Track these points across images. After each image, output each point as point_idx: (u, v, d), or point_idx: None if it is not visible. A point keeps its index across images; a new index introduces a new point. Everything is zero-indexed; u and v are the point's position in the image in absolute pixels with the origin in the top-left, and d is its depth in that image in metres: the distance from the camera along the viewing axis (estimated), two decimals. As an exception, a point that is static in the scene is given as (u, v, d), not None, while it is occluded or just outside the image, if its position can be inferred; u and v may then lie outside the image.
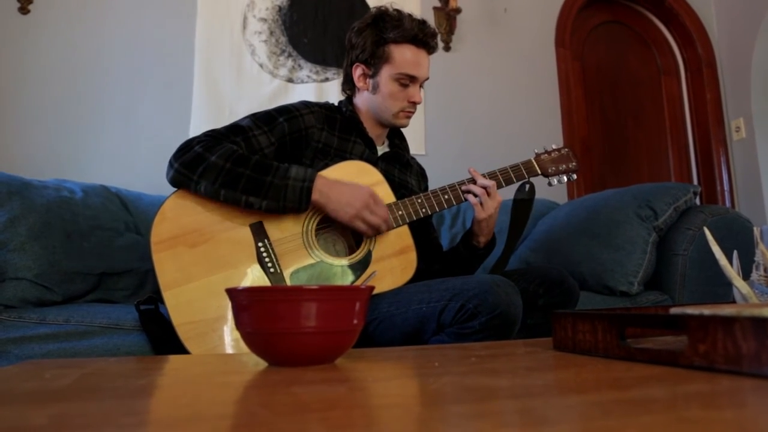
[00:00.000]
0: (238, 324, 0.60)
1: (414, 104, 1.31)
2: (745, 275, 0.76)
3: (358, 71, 1.33)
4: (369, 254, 1.18)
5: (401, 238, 1.21)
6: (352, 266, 1.17)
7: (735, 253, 0.79)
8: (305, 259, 1.15)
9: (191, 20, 2.24)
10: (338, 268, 1.16)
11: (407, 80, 1.28)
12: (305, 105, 1.30)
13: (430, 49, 1.32)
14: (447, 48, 2.56)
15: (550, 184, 1.37)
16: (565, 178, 1.37)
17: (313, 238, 1.17)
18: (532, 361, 0.59)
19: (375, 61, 1.29)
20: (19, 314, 1.18)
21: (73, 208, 1.49)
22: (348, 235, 1.25)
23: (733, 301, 0.75)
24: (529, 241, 1.93)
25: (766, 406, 0.36)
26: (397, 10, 1.30)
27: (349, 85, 1.38)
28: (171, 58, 2.20)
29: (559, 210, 1.99)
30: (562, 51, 2.77)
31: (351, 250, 1.24)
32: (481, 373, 0.52)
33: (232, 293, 0.59)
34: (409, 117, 1.34)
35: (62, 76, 2.08)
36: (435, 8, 2.55)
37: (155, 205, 1.81)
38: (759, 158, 2.80)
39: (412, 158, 1.50)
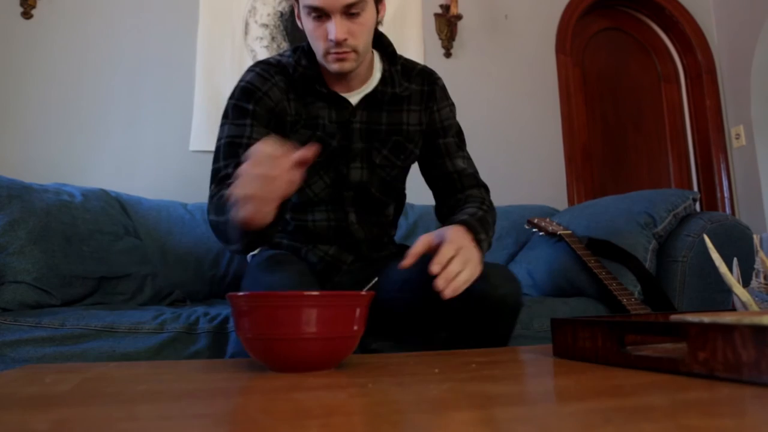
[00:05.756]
0: (239, 329, 0.60)
1: (337, 43, 1.00)
2: (745, 283, 0.76)
3: (297, 10, 1.08)
4: None
5: None
6: None
7: (735, 261, 0.79)
8: None
9: (193, 26, 2.25)
10: None
11: (315, 12, 1.00)
12: (263, 78, 1.10)
13: None
14: (448, 54, 2.57)
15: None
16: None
17: None
18: (532, 368, 0.59)
19: None
20: (14, 317, 1.18)
21: (73, 212, 1.49)
22: None
23: (733, 309, 0.75)
24: (528, 249, 1.93)
25: (766, 414, 0.36)
26: None
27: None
28: (172, 63, 2.21)
29: (559, 217, 1.99)
30: (562, 57, 2.78)
31: None
32: (482, 379, 0.52)
33: (233, 299, 0.59)
34: (340, 60, 1.03)
35: (64, 80, 2.08)
36: (436, 14, 2.56)
37: (155, 209, 1.82)
38: (759, 165, 2.80)
39: (414, 78, 1.18)
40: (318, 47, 1.04)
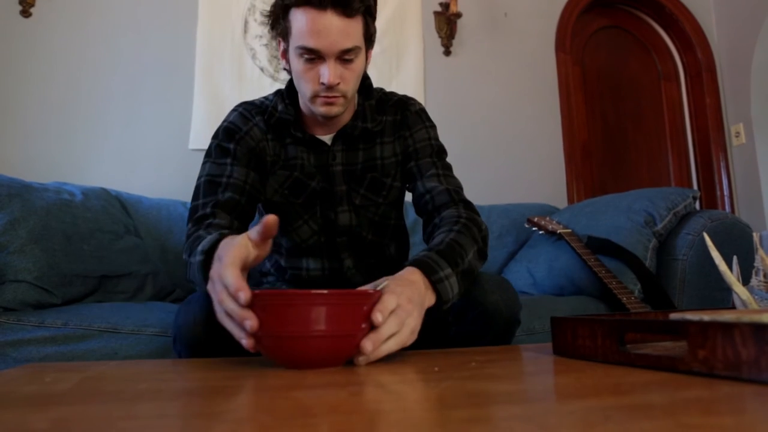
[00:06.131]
0: None
1: (328, 87, 0.99)
2: (745, 281, 0.76)
3: (281, 47, 1.06)
4: None
5: None
6: None
7: (734, 259, 0.79)
8: None
9: (192, 24, 2.25)
10: None
11: (308, 54, 0.98)
12: (245, 118, 1.11)
13: (341, 6, 0.95)
14: (447, 52, 2.57)
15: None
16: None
17: None
18: (532, 367, 0.59)
19: (284, 32, 1.03)
20: (17, 317, 1.18)
21: (74, 211, 1.49)
22: None
23: (733, 307, 0.75)
24: (528, 248, 1.93)
25: (766, 412, 0.36)
26: None
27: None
28: (172, 61, 2.21)
29: (559, 215, 1.99)
30: (562, 55, 2.78)
31: None
32: (482, 378, 0.52)
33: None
34: (329, 103, 1.01)
35: (63, 79, 2.08)
36: (436, 12, 2.56)
37: (155, 208, 1.83)
38: (759, 163, 2.80)
39: (389, 110, 1.16)
40: (306, 89, 1.02)
